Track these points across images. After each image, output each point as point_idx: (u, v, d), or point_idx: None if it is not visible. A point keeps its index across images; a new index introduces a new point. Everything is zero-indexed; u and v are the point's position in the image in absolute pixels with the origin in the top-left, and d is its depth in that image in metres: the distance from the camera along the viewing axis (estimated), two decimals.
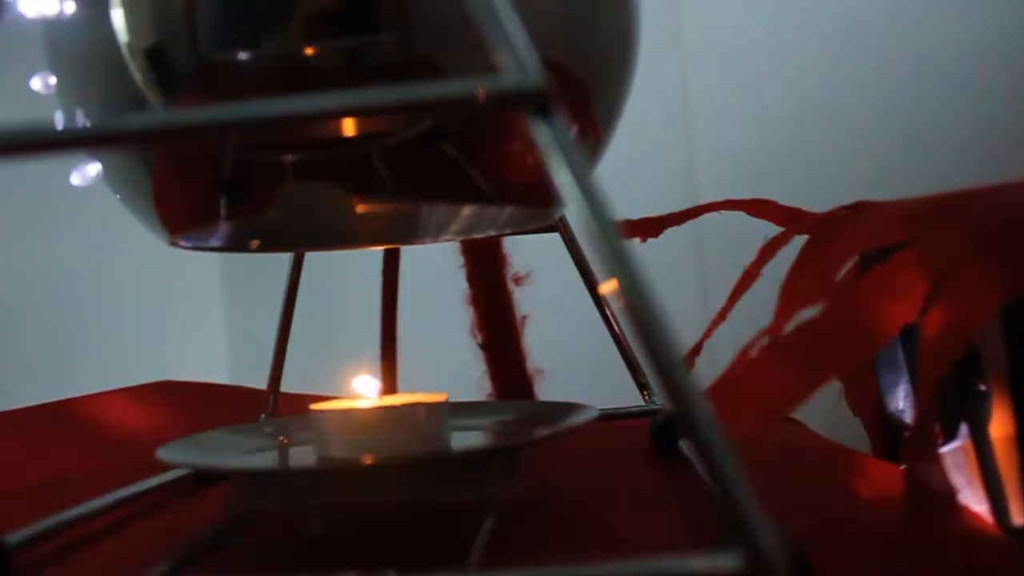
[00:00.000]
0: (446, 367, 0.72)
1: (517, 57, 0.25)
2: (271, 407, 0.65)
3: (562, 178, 0.25)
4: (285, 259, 0.67)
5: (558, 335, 0.83)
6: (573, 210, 0.25)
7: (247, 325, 1.57)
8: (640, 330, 0.23)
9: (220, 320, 1.61)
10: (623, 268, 0.23)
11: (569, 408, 0.46)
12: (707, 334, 0.50)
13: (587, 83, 0.41)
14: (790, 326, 0.32)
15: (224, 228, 0.44)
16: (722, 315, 0.49)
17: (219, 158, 0.37)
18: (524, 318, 0.74)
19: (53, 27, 0.40)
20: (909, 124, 1.44)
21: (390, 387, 0.72)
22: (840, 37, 1.51)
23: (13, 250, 1.82)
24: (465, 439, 0.45)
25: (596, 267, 0.25)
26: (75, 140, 0.27)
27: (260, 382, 0.84)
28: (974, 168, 1.37)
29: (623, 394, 0.70)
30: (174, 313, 1.68)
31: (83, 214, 1.82)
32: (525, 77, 0.25)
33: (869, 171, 1.48)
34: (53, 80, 0.44)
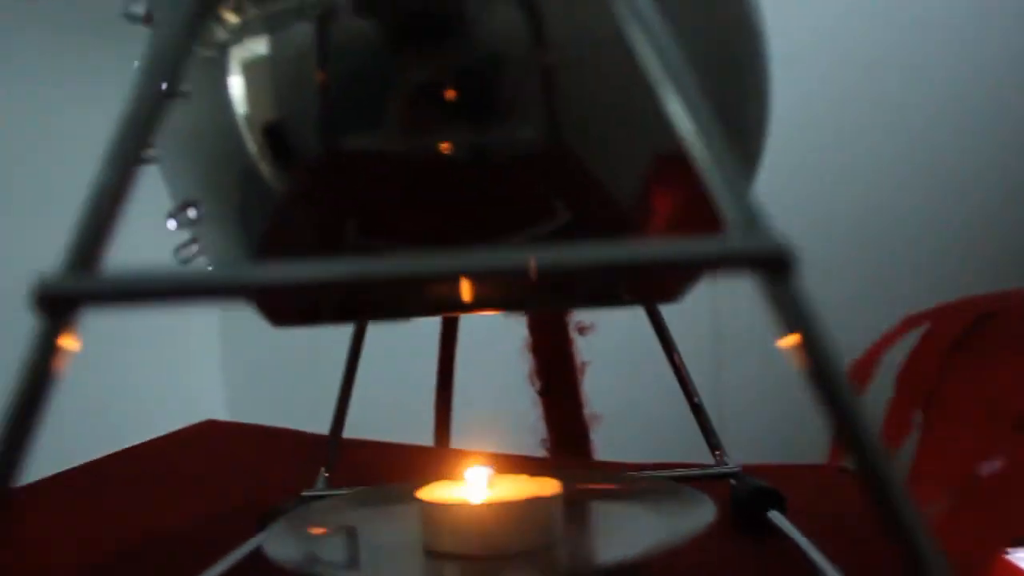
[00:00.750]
0: (501, 409, 0.70)
1: (750, 215, 0.23)
2: (331, 459, 0.63)
3: (796, 336, 0.23)
4: None
5: (617, 383, 0.81)
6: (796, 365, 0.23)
7: (242, 358, 1.54)
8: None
9: (215, 353, 1.58)
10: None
11: (681, 497, 0.44)
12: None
13: None
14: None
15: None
16: None
17: None
18: (584, 365, 0.72)
19: None
20: (916, 135, 1.44)
21: (444, 438, 0.71)
22: (847, 51, 1.50)
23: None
24: (579, 538, 0.44)
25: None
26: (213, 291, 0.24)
27: (255, 417, 0.81)
28: (982, 175, 1.37)
29: (680, 444, 0.69)
30: (169, 345, 1.64)
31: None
32: (764, 238, 0.23)
33: (875, 183, 1.47)
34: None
